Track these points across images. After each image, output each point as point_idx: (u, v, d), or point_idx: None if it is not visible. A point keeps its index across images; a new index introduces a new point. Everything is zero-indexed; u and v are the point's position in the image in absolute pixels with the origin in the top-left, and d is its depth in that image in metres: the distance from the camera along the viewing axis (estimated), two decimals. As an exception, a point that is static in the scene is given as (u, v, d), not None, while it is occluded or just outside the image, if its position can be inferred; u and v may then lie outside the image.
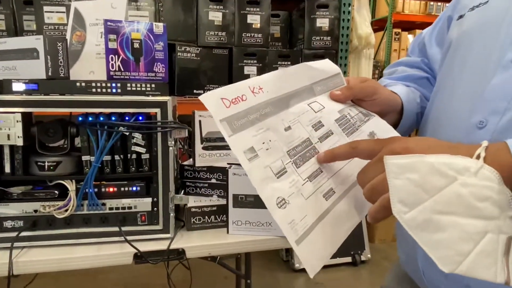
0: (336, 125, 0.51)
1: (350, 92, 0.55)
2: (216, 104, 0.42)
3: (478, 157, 0.34)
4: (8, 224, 0.87)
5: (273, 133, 0.45)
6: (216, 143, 1.05)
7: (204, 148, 1.04)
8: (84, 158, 0.88)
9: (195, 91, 1.89)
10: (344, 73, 1.96)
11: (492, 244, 0.31)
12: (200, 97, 0.42)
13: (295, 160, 0.45)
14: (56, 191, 0.88)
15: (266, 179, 0.41)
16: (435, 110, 0.57)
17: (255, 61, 1.90)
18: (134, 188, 0.90)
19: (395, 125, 0.60)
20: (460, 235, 0.32)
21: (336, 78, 0.58)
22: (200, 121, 1.01)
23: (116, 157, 0.89)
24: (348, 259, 2.01)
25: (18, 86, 0.82)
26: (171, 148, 0.88)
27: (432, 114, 0.57)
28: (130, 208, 0.90)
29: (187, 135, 0.94)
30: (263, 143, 0.43)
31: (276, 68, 1.57)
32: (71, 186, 0.87)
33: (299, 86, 0.52)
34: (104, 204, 0.89)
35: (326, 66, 0.58)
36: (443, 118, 0.54)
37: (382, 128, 0.55)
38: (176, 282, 1.09)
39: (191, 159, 1.07)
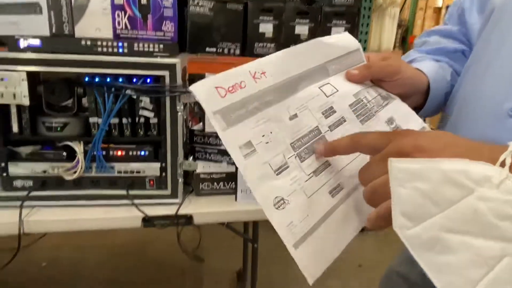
0: (350, 111, 0.46)
1: (368, 72, 0.48)
2: (209, 94, 0.37)
3: (503, 164, 0.27)
4: (18, 183, 0.87)
5: (275, 123, 0.40)
6: (227, 108, 1.01)
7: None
8: (92, 120, 0.86)
9: (207, 48, 1.81)
10: (366, 33, 1.84)
11: (509, 270, 0.26)
12: (190, 88, 0.37)
13: (299, 153, 0.40)
14: (64, 153, 0.87)
15: (264, 177, 0.37)
16: (463, 89, 0.51)
17: (272, 18, 1.80)
18: (142, 153, 0.88)
19: (420, 107, 0.54)
20: (472, 259, 0.27)
21: (355, 54, 0.51)
22: (211, 85, 0.97)
23: (124, 121, 0.86)
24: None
25: (21, 43, 0.78)
26: (179, 113, 0.85)
27: (460, 94, 0.51)
28: (138, 172, 0.89)
29: (194, 99, 0.90)
30: (263, 136, 0.39)
31: (294, 27, 1.48)
32: (79, 148, 0.86)
33: (311, 66, 0.46)
34: (112, 168, 0.88)
35: (343, 40, 0.50)
36: (471, 99, 0.48)
37: (402, 113, 0.49)
38: (185, 240, 1.10)
39: (201, 123, 1.03)
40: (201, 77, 1.20)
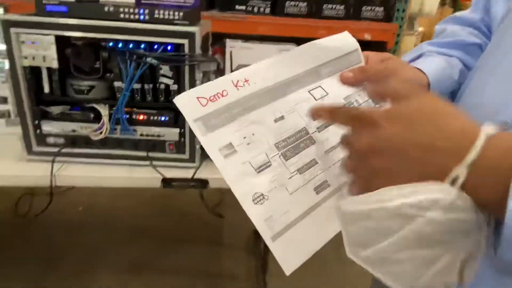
0: None
1: (363, 76, 0.47)
2: (190, 104, 0.39)
3: (455, 180, 0.26)
4: (50, 140, 0.95)
5: (258, 126, 0.42)
6: (247, 76, 1.01)
7: (235, 80, 1.01)
8: (116, 84, 0.89)
9: (237, 6, 1.77)
10: (406, -5, 1.72)
11: (450, 263, 0.28)
12: (174, 100, 0.39)
13: (284, 152, 0.42)
14: (91, 114, 0.92)
15: (243, 175, 0.39)
16: (468, 91, 0.49)
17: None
18: (163, 118, 0.92)
19: None
20: (418, 263, 0.29)
21: (353, 55, 0.49)
22: (231, 52, 0.97)
23: (146, 86, 0.89)
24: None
25: (49, 8, 0.81)
26: (198, 81, 0.87)
27: (464, 97, 0.49)
28: (159, 136, 0.93)
29: (215, 68, 0.91)
30: (244, 137, 0.41)
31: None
32: (104, 110, 0.91)
33: (302, 70, 0.46)
34: (135, 130, 0.93)
35: (340, 41, 0.49)
36: (471, 104, 0.46)
37: None
38: (208, 196, 1.16)
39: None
40: (228, 36, 1.20)
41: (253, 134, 0.41)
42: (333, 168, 0.43)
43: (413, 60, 0.56)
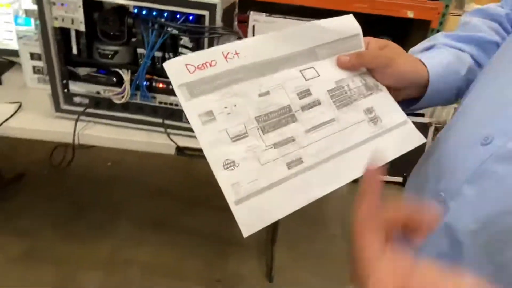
0: (327, 96, 0.46)
1: (359, 61, 0.47)
2: (178, 70, 0.40)
3: None
4: (76, 99, 1.00)
5: (241, 98, 0.43)
6: (268, 51, 1.00)
7: (255, 55, 1.00)
8: (139, 50, 0.92)
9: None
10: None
11: None
12: (164, 64, 0.40)
13: (263, 125, 0.43)
14: (114, 78, 0.96)
15: (218, 142, 0.41)
16: (468, 98, 0.47)
17: None
18: (181, 88, 0.94)
19: (418, 99, 0.50)
20: None
21: (353, 39, 0.49)
22: (254, 26, 0.96)
23: (167, 55, 0.91)
24: (399, 179, 1.99)
25: (77, -29, 0.83)
26: (216, 54, 0.87)
27: (465, 102, 0.47)
28: (176, 105, 0.96)
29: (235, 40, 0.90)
30: (225, 107, 0.42)
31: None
32: (126, 76, 0.94)
33: (298, 49, 0.46)
34: (154, 98, 0.96)
35: (343, 24, 0.48)
36: (465, 113, 0.45)
37: (384, 105, 0.48)
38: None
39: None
40: (256, 4, 1.16)
41: (235, 105, 0.42)
42: (310, 147, 0.43)
43: (423, 50, 0.54)
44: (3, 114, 1.03)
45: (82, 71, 0.96)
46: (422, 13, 1.96)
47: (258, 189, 0.40)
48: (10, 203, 1.76)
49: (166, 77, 0.96)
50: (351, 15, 0.49)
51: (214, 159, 0.40)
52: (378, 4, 1.87)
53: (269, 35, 0.45)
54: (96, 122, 1.01)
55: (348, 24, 0.49)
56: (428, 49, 0.54)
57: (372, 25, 1.92)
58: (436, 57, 0.50)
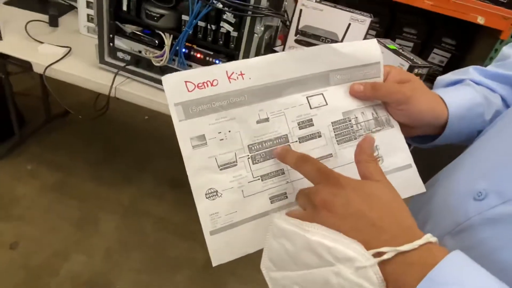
0: (330, 128, 0.43)
1: (373, 93, 0.43)
2: (176, 87, 0.38)
3: (378, 254, 0.29)
4: (119, 55, 1.04)
5: (237, 123, 0.40)
6: (310, 39, 0.98)
7: (297, 41, 0.99)
8: (184, 17, 0.93)
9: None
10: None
11: None
12: (162, 78, 0.38)
13: (254, 155, 0.40)
14: (156, 40, 0.99)
15: (205, 169, 0.39)
16: (477, 142, 0.44)
17: None
18: (217, 61, 0.95)
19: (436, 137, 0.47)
20: None
21: (373, 67, 0.44)
22: (301, 10, 0.94)
23: (209, 27, 0.92)
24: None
25: None
26: (256, 34, 0.87)
27: (472, 146, 0.44)
28: (210, 77, 0.98)
29: (278, 24, 0.89)
30: (219, 132, 0.40)
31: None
32: (167, 40, 0.97)
33: (309, 73, 0.42)
34: (190, 66, 0.98)
35: (363, 50, 0.44)
36: (468, 159, 0.42)
37: (390, 145, 0.45)
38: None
39: (283, 46, 1.04)
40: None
41: (229, 131, 0.40)
42: (298, 182, 0.42)
43: (451, 83, 0.51)
44: (53, 56, 1.10)
45: (129, 28, 1.00)
46: (493, 20, 1.80)
47: (235, 222, 0.40)
48: (53, 136, 1.91)
49: (205, 47, 0.98)
50: (375, 41, 0.45)
51: (197, 186, 0.39)
52: (445, 3, 1.74)
53: (281, 54, 0.42)
54: (134, 79, 1.06)
55: (370, 50, 0.44)
56: (456, 83, 0.50)
57: (436, 24, 1.80)
58: (460, 96, 0.46)
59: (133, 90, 1.04)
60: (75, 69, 1.08)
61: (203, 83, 0.39)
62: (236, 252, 0.40)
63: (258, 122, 0.41)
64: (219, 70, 0.39)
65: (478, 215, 0.36)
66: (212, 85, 0.39)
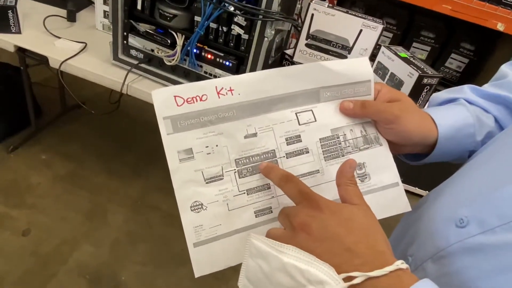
0: (318, 145, 0.43)
1: (362, 111, 0.43)
2: (165, 101, 0.39)
3: (349, 278, 0.29)
4: (133, 52, 1.06)
5: (225, 138, 0.41)
6: (321, 44, 0.98)
7: (307, 45, 0.99)
8: (196, 18, 0.94)
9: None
10: None
11: None
12: (152, 92, 0.39)
13: (241, 169, 0.41)
14: (168, 40, 1.00)
15: (191, 182, 0.40)
16: (466, 166, 0.43)
17: None
18: (227, 63, 0.96)
19: (426, 154, 0.47)
20: None
21: (363, 85, 0.44)
22: (312, 15, 0.94)
23: (221, 28, 0.93)
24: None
25: None
26: (266, 38, 0.87)
27: (461, 169, 0.44)
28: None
29: (289, 29, 0.90)
30: (207, 146, 0.40)
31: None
32: (179, 40, 0.98)
33: (299, 89, 0.43)
34: (201, 66, 1.00)
35: (354, 68, 0.44)
36: (454, 183, 0.42)
37: (377, 163, 0.45)
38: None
39: (294, 49, 1.04)
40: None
41: (216, 145, 0.40)
42: (283, 197, 0.41)
43: (445, 102, 0.50)
44: (69, 51, 1.13)
45: (143, 27, 1.02)
46: (514, 28, 1.76)
47: (219, 235, 0.40)
48: (67, 128, 1.95)
49: (216, 49, 0.99)
50: (366, 59, 0.45)
51: (183, 199, 0.39)
52: (465, 9, 1.71)
53: (271, 71, 0.42)
54: (145, 77, 1.08)
55: (361, 68, 0.44)
56: (450, 101, 0.50)
57: (455, 29, 1.77)
58: (451, 116, 0.46)
59: (144, 88, 1.06)
60: (89, 65, 1.11)
61: (192, 98, 0.39)
62: (219, 264, 0.40)
63: (246, 137, 0.41)
64: (209, 85, 0.40)
65: (459, 242, 0.35)
66: (201, 100, 0.39)
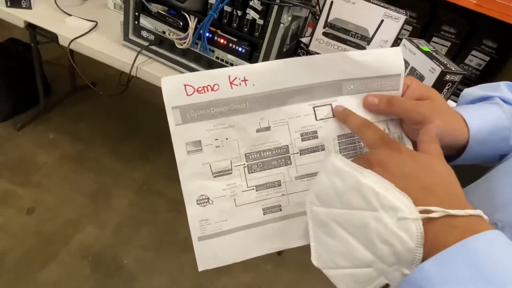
0: (335, 142, 0.40)
1: (388, 108, 0.39)
2: (174, 90, 0.36)
3: (427, 211, 0.28)
4: (144, 33, 1.03)
5: (236, 131, 0.38)
6: (339, 33, 0.94)
7: (325, 34, 0.94)
8: (210, 0, 0.91)
9: None
10: None
11: (368, 278, 0.30)
12: (161, 79, 0.37)
13: (251, 164, 0.39)
14: (181, 22, 0.97)
15: (198, 175, 0.38)
16: (499, 169, 0.39)
17: None
18: (240, 49, 0.93)
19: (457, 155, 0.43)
20: (344, 252, 0.32)
21: (391, 79, 0.40)
22: (332, 2, 0.89)
23: (235, 12, 0.89)
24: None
25: None
26: (282, 25, 0.83)
27: (494, 172, 0.40)
28: (231, 64, 0.95)
29: (306, 15, 0.86)
30: (216, 139, 0.38)
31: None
32: (191, 23, 0.94)
33: (316, 81, 0.39)
34: (212, 51, 0.96)
35: (383, 59, 0.39)
36: (484, 184, 0.39)
37: None
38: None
39: (310, 38, 1.00)
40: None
41: (226, 138, 0.38)
42: (295, 196, 0.40)
43: (477, 100, 0.46)
44: (79, 30, 1.11)
45: (154, 7, 0.98)
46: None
47: (224, 230, 0.39)
48: (76, 108, 1.94)
49: (229, 33, 0.95)
50: (399, 49, 0.40)
51: (189, 192, 0.38)
52: (490, 4, 1.63)
53: (289, 60, 0.38)
54: (155, 60, 1.05)
55: (392, 60, 0.40)
56: (483, 99, 0.46)
57: (478, 25, 1.70)
58: (484, 117, 0.42)
59: (154, 71, 1.03)
60: (99, 45, 1.08)
61: (203, 87, 0.37)
62: (223, 260, 0.39)
63: (258, 130, 0.39)
64: (221, 74, 0.37)
65: None
66: (212, 89, 0.37)
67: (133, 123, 1.96)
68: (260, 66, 0.38)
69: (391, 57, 0.40)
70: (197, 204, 0.39)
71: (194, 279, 1.38)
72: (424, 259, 0.28)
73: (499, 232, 0.27)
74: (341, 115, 0.39)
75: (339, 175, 0.32)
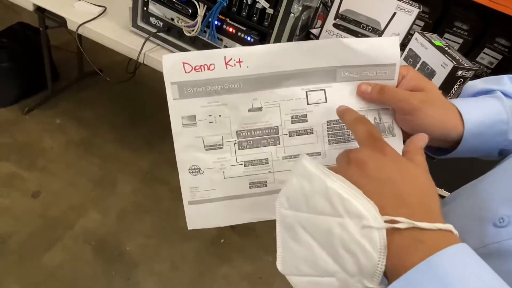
0: (324, 127, 0.42)
1: (379, 97, 0.39)
2: (174, 67, 0.39)
3: (393, 222, 0.27)
4: (152, 20, 1.02)
5: (228, 109, 0.41)
6: (350, 25, 0.92)
7: (335, 25, 0.93)
8: (220, -12, 0.89)
9: None
10: None
11: (328, 285, 0.30)
12: (163, 56, 0.39)
13: (241, 141, 0.42)
14: (190, 10, 0.96)
15: (191, 147, 0.41)
16: (505, 163, 0.39)
17: None
18: (249, 38, 0.92)
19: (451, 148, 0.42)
20: (308, 258, 0.31)
21: (386, 68, 0.40)
22: (343, -6, 0.88)
23: (245, 0, 0.88)
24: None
25: None
26: (292, 14, 0.82)
27: (500, 165, 0.39)
28: (239, 53, 0.94)
29: (317, 5, 0.84)
30: (210, 115, 0.41)
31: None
32: (200, 10, 0.93)
33: (311, 66, 0.40)
34: (221, 40, 0.95)
35: (379, 48, 0.40)
36: (489, 178, 0.38)
37: None
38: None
39: (320, 29, 0.98)
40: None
41: (219, 115, 0.41)
42: (280, 174, 0.43)
43: (480, 93, 0.45)
44: (88, 14, 1.10)
45: (164, -7, 0.97)
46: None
47: (212, 198, 0.42)
48: (83, 94, 1.94)
49: (239, 22, 0.94)
50: (396, 39, 0.40)
51: (182, 161, 0.42)
52: (505, 0, 1.60)
53: (286, 44, 0.40)
54: (163, 47, 1.04)
55: (387, 49, 0.40)
56: (486, 92, 0.45)
57: (491, 22, 1.67)
58: (482, 111, 0.41)
59: (161, 58, 1.02)
60: (107, 30, 1.07)
61: (200, 66, 0.39)
62: (209, 223, 0.43)
63: (250, 110, 0.41)
64: (218, 55, 0.39)
65: (496, 243, 0.32)
66: (208, 69, 0.39)
67: (140, 111, 1.96)
68: (257, 48, 0.40)
69: (388, 46, 0.40)
70: (189, 172, 0.42)
71: (196, 267, 1.39)
72: (388, 271, 0.27)
73: (464, 245, 0.27)
74: (340, 110, 0.39)
75: (308, 178, 0.32)
